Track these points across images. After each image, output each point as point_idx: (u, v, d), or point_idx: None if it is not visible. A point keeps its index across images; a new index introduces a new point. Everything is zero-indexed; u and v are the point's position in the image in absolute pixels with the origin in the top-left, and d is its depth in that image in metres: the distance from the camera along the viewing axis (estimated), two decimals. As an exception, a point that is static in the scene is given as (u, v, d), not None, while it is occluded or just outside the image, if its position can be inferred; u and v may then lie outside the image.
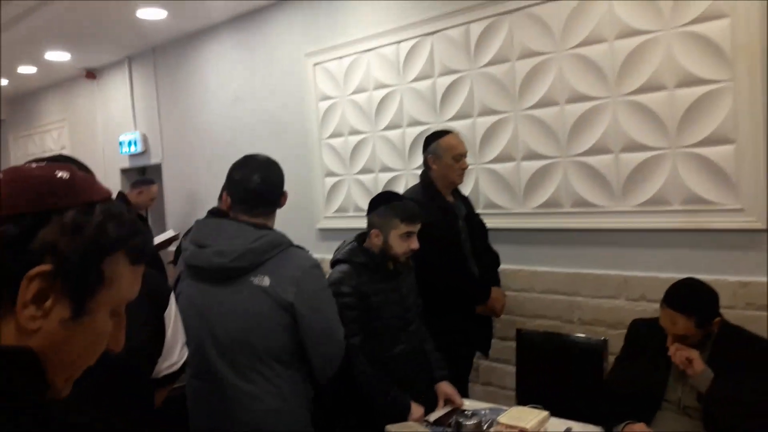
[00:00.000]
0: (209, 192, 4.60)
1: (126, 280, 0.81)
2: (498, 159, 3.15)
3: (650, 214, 2.67)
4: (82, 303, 0.76)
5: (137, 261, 0.82)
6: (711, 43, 2.42)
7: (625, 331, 2.70)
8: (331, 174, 4.05)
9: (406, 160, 3.59)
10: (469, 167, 2.89)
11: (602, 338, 2.74)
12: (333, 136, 4.00)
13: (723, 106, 2.42)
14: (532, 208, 3.06)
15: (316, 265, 2.01)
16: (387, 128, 3.67)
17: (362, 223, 2.39)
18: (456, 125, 3.21)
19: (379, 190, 3.48)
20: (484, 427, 1.93)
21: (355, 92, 3.81)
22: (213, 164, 4.78)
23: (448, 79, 3.32)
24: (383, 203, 2.34)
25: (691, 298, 1.99)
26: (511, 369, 2.92)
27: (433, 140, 2.90)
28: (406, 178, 3.58)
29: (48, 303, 0.73)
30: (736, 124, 2.39)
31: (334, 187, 4.04)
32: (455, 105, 3.30)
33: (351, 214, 3.93)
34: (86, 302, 0.76)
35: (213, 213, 2.86)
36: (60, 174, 0.76)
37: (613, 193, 2.77)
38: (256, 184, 1.97)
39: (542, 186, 3.00)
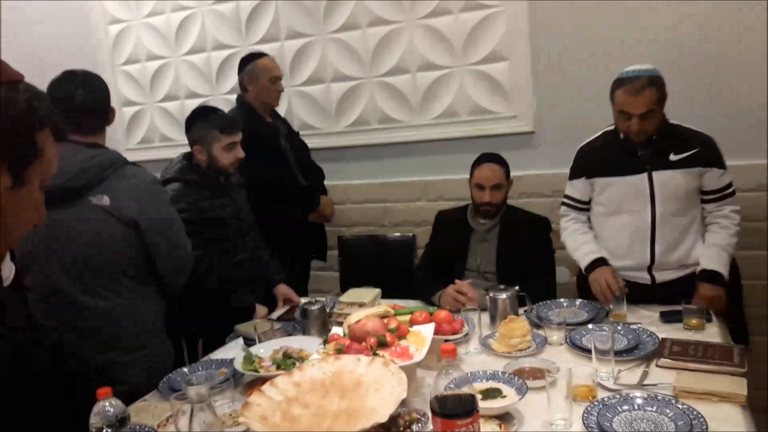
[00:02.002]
0: None
1: (52, 154, 0.88)
2: (309, 81, 3.33)
3: (444, 125, 3.10)
4: (21, 173, 0.83)
5: (59, 137, 0.89)
6: (487, -27, 2.85)
7: (428, 227, 3.15)
8: (130, 103, 3.87)
9: (214, 85, 3.60)
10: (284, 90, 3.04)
11: (411, 234, 3.18)
12: (128, 62, 3.81)
13: (498, 28, 2.88)
14: (344, 127, 3.32)
15: (156, 180, 2.05)
16: (190, 53, 3.61)
17: (170, 153, 2.40)
18: (264, 49, 3.29)
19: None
20: (328, 309, 2.19)
21: (150, 15, 3.65)
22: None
23: (252, 3, 3.37)
24: (199, 119, 2.37)
25: (499, 157, 2.52)
26: (336, 275, 3.23)
27: (248, 62, 2.97)
28: (216, 103, 3.59)
29: None
30: (509, 44, 2.87)
31: (135, 117, 3.88)
32: (262, 28, 3.38)
33: (157, 144, 3.83)
34: (24, 172, 0.83)
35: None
36: None
37: (413, 109, 3.15)
38: (81, 99, 1.92)
39: (351, 106, 3.27)
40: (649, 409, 1.43)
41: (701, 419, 1.36)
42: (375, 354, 1.52)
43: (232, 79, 3.48)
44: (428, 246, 2.69)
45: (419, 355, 1.54)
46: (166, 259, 2.02)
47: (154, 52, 3.71)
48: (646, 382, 1.63)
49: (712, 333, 1.92)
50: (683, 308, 1.98)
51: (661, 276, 2.22)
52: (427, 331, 1.68)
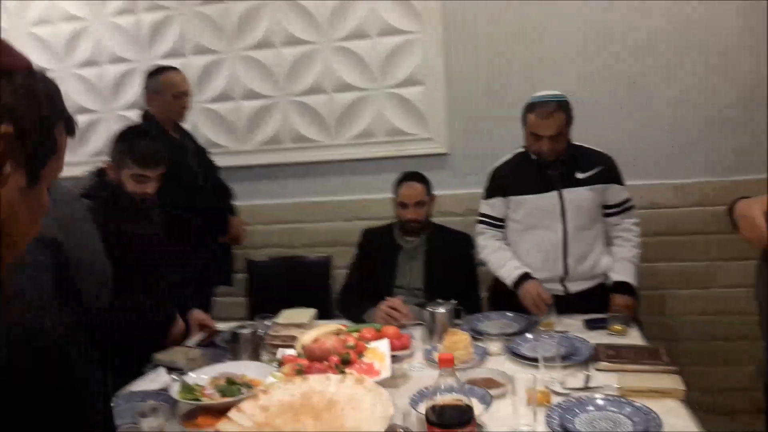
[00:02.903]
0: None
1: (64, 152, 0.78)
2: (218, 98, 3.22)
3: (360, 146, 3.12)
4: (37, 171, 0.73)
5: (71, 132, 0.80)
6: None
7: (343, 248, 3.13)
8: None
9: (110, 100, 3.36)
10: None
11: (326, 255, 3.14)
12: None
13: (415, 53, 2.97)
14: (255, 146, 3.23)
15: (77, 197, 1.87)
16: (83, 65, 3.34)
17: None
18: (169, 64, 3.13)
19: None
20: (260, 333, 2.09)
21: (37, 23, 3.35)
22: None
23: (155, 15, 3.21)
24: (122, 140, 2.23)
25: (420, 175, 2.60)
26: (241, 300, 3.11)
27: (153, 75, 2.82)
28: (107, 122, 3.33)
29: (6, 169, 0.69)
30: (424, 69, 2.97)
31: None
32: (167, 43, 3.22)
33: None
34: (39, 170, 0.73)
35: None
36: None
37: (329, 129, 3.14)
38: None
39: (264, 124, 3.20)
40: (607, 409, 1.51)
41: (653, 414, 1.46)
42: (342, 372, 1.47)
43: (130, 93, 3.28)
44: (354, 265, 2.67)
45: (386, 370, 1.52)
46: (84, 278, 1.83)
47: (41, 64, 3.39)
48: (591, 385, 1.72)
49: (635, 337, 2.08)
50: (609, 315, 2.13)
51: (574, 287, 2.38)
52: (383, 346, 1.67)
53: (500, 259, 2.45)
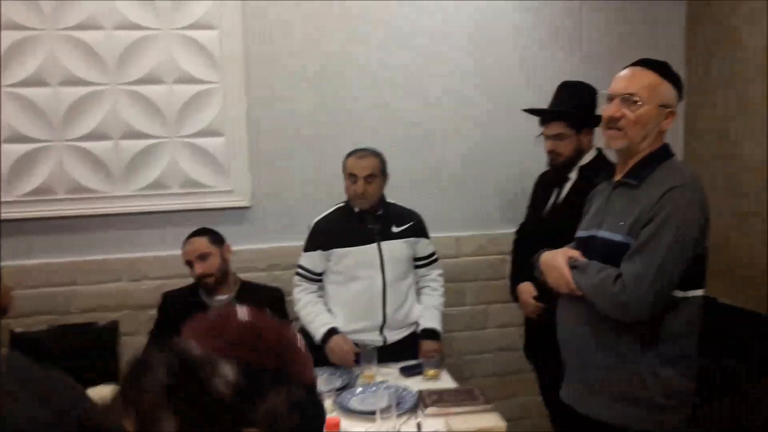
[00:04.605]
0: None
1: None
2: (-28, 140, 2.71)
3: (151, 197, 2.88)
4: None
5: None
6: (204, 48, 2.83)
7: (130, 311, 2.86)
8: None
9: None
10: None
11: (112, 320, 2.81)
12: None
13: (214, 103, 2.87)
14: (17, 196, 2.77)
15: None
16: None
17: None
18: None
19: None
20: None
21: None
22: None
23: None
24: None
25: (205, 229, 2.56)
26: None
27: None
28: None
29: None
30: (224, 120, 2.89)
31: None
32: None
33: None
34: None
35: None
36: (299, 342, 0.75)
37: (114, 179, 2.84)
38: None
39: (31, 172, 2.77)
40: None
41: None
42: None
43: None
44: (154, 332, 2.44)
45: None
46: None
47: None
48: (423, 431, 1.81)
49: (447, 379, 2.24)
50: (423, 361, 2.27)
51: (392, 336, 2.50)
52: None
53: (310, 314, 2.49)
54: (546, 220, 2.48)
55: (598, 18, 3.21)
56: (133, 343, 2.81)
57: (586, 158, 2.43)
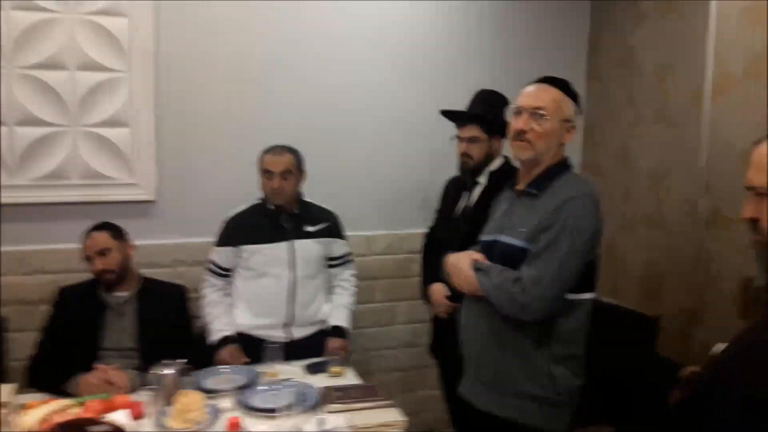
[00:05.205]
0: None
1: None
2: None
3: (49, 188, 2.74)
4: None
5: None
6: (111, 36, 2.72)
7: (21, 306, 2.73)
8: None
9: None
10: None
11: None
12: None
13: (120, 93, 2.77)
14: None
15: None
16: None
17: None
18: None
19: None
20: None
21: None
22: None
23: None
24: None
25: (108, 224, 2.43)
26: None
27: None
28: None
29: None
30: (130, 111, 2.79)
31: None
32: None
33: None
34: None
35: None
36: None
37: (8, 167, 2.68)
38: None
39: None
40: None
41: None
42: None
43: None
44: (48, 329, 2.33)
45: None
46: None
47: None
48: (325, 428, 1.83)
49: (351, 377, 2.28)
50: (328, 359, 2.29)
51: (298, 332, 2.51)
52: (122, 419, 1.51)
53: (210, 315, 2.54)
54: (456, 223, 2.56)
55: (507, 37, 3.36)
56: (22, 340, 2.66)
57: (495, 164, 2.53)
